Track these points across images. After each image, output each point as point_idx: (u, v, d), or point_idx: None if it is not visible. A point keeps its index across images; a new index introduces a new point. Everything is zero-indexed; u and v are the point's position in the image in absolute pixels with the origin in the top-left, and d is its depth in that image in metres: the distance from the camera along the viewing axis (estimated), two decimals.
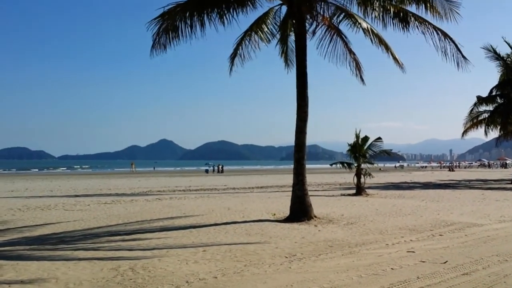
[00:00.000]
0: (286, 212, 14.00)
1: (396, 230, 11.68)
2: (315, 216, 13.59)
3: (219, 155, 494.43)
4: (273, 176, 54.55)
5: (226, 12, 13.41)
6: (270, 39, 15.70)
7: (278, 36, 15.80)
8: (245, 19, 14.24)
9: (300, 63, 13.94)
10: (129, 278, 6.96)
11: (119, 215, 14.80)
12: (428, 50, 13.34)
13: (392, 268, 7.56)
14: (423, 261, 8.09)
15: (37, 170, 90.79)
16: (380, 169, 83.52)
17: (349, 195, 22.75)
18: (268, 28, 15.41)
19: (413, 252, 8.89)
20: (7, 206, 17.36)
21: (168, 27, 12.82)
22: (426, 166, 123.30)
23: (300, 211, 13.45)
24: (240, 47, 15.67)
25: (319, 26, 15.09)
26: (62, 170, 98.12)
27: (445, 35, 13.50)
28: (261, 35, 15.39)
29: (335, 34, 15.21)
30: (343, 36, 15.26)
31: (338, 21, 14.98)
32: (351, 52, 15.60)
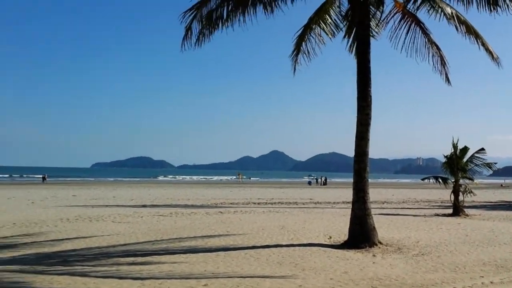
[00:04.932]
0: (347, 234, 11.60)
1: (478, 266, 8.93)
2: (380, 242, 11.13)
3: (329, 167, 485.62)
4: (374, 189, 50.73)
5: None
6: (335, 31, 13.55)
7: (344, 29, 13.59)
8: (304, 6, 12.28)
9: (361, 57, 11.64)
10: None
11: (159, 230, 13.52)
12: None
13: None
14: None
15: (142, 178, 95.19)
16: (501, 185, 75.59)
17: (444, 215, 19.46)
18: (331, 19, 13.26)
19: None
20: (60, 215, 16.99)
21: (202, 18, 11.17)
22: None
23: (359, 235, 11.06)
24: (303, 43, 13.64)
25: (392, 14, 12.74)
26: (170, 178, 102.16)
27: None
28: (324, 27, 13.30)
29: (413, 23, 12.67)
30: (423, 25, 12.65)
31: (415, 7, 12.52)
32: (433, 44, 12.90)
